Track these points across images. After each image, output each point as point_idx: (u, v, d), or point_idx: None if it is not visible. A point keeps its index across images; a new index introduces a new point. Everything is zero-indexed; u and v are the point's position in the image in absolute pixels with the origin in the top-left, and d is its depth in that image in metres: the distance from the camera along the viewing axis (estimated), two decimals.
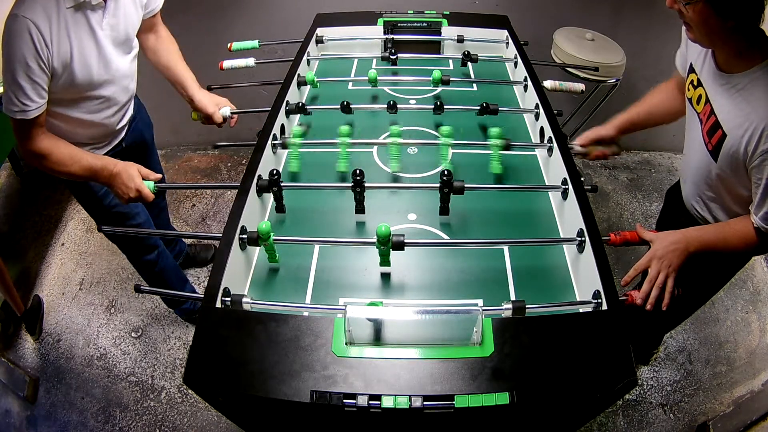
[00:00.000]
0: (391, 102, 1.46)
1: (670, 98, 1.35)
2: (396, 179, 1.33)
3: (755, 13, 0.94)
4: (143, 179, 1.29)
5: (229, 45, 1.83)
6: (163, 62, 1.58)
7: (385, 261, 1.05)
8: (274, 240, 1.04)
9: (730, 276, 1.43)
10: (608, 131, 1.38)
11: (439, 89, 1.63)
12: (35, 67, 1.12)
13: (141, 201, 1.30)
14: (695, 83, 1.16)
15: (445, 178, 1.12)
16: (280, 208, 1.22)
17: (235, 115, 1.57)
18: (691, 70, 1.18)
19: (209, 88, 1.81)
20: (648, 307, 1.00)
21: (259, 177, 1.20)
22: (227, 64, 1.72)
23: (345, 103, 1.45)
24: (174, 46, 1.60)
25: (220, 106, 1.56)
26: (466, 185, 1.12)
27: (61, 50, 1.16)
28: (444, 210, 1.18)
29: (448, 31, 1.87)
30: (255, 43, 1.84)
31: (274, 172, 1.15)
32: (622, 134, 1.40)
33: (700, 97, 1.13)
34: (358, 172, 1.13)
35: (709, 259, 1.11)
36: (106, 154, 1.48)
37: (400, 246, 1.00)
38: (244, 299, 0.94)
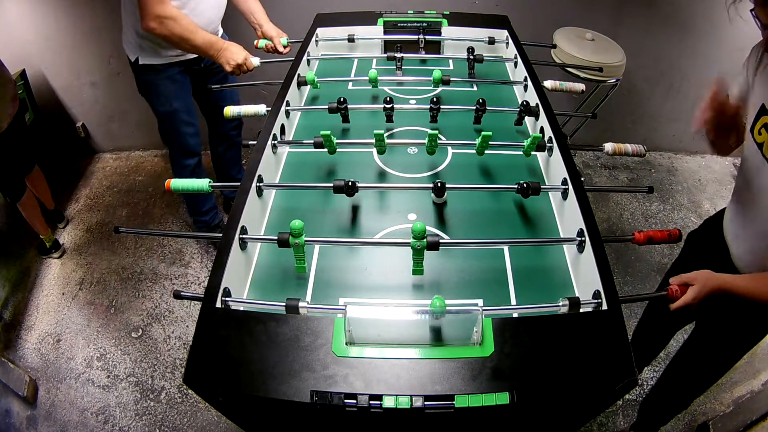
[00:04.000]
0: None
1: None
2: (396, 179, 1.33)
3: None
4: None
5: (255, 42, 1.92)
6: None
7: (418, 266, 1.02)
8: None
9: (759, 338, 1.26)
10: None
11: (440, 89, 1.64)
12: None
13: (245, 69, 1.70)
14: None
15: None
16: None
17: (290, 45, 1.88)
18: (764, 111, 1.00)
19: (209, 89, 1.82)
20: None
21: (260, 177, 1.20)
22: None
23: (341, 99, 1.45)
24: None
25: (281, 36, 1.89)
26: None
27: None
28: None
29: (448, 31, 1.87)
30: (283, 40, 1.87)
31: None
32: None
33: None
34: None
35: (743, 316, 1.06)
36: (187, 62, 1.86)
37: (435, 246, 1.00)
38: (300, 303, 0.93)
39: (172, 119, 1.93)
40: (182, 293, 1.03)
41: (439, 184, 1.16)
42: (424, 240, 0.98)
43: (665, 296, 1.00)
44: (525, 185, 1.16)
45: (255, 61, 1.72)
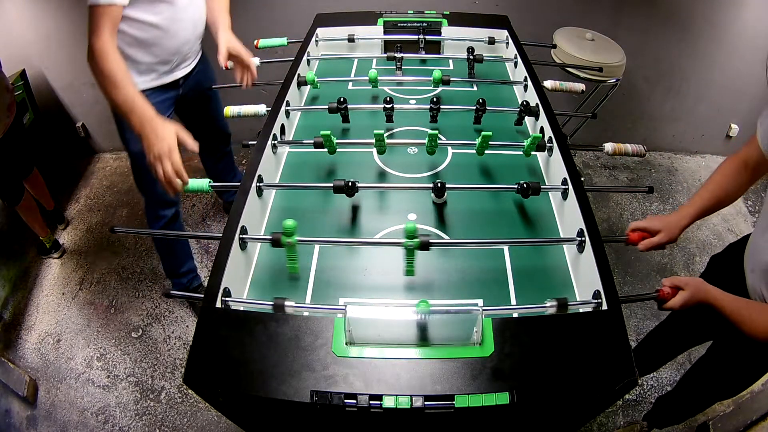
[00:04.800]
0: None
1: (735, 182, 1.19)
2: (396, 179, 1.33)
3: None
4: (180, 145, 1.23)
5: (255, 42, 1.85)
6: None
7: (410, 267, 1.02)
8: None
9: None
10: (672, 237, 1.17)
11: (440, 89, 1.64)
12: None
13: (167, 164, 1.20)
14: None
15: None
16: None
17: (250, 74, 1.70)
18: None
19: (210, 87, 1.82)
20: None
21: (260, 177, 1.20)
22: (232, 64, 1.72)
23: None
24: None
25: (233, 51, 1.62)
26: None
27: None
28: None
29: (448, 31, 1.87)
30: (283, 40, 1.85)
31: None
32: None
33: None
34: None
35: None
36: (163, 88, 1.60)
37: (425, 246, 0.99)
38: (286, 302, 0.93)
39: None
40: (171, 292, 1.04)
41: (439, 184, 1.16)
42: (416, 239, 0.98)
43: (656, 296, 1.01)
44: (525, 185, 1.16)
45: (192, 144, 1.29)
